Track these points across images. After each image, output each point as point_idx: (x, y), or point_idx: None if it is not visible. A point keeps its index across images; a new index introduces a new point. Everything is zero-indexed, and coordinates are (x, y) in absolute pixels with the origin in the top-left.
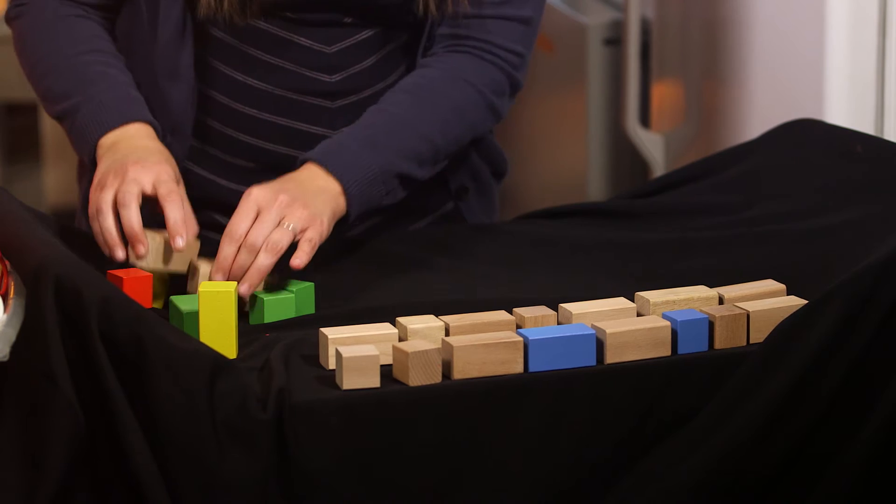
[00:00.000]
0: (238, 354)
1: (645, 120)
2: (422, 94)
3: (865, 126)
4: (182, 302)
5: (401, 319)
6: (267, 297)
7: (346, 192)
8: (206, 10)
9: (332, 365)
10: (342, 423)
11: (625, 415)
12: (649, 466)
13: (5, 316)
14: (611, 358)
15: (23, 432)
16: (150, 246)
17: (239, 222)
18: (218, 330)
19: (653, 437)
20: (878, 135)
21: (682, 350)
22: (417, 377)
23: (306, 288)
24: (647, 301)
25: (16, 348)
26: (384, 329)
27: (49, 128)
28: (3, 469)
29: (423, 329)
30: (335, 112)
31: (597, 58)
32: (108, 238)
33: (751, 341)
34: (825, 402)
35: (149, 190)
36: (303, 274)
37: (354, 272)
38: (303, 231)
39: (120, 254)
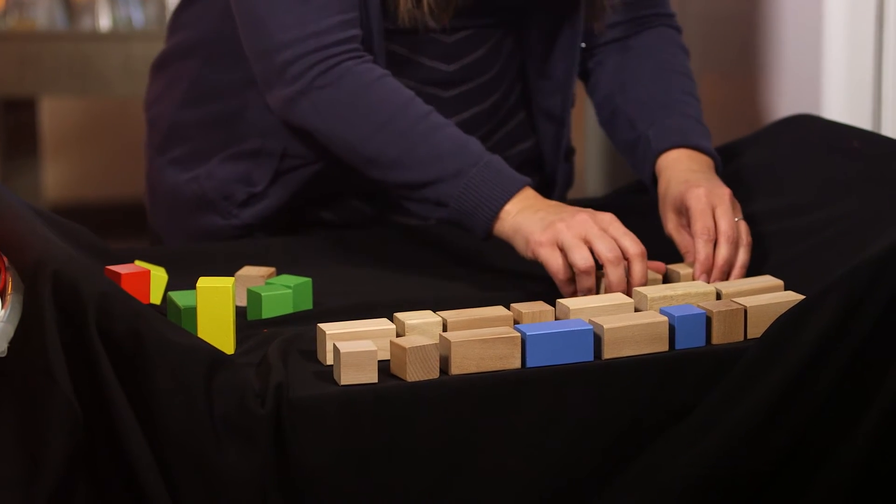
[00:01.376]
0: (236, 350)
1: None
2: (672, 67)
3: (863, 122)
4: (180, 297)
5: (398, 315)
6: (265, 293)
7: (716, 161)
8: (406, 16)
9: (329, 360)
10: (340, 418)
11: (622, 410)
12: (647, 461)
13: (3, 312)
14: (608, 353)
15: (21, 428)
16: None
17: (707, 221)
18: (216, 325)
19: (650, 433)
20: (876, 130)
21: (679, 345)
22: (415, 373)
23: (304, 283)
24: (645, 296)
25: (14, 344)
26: (382, 324)
27: (47, 124)
28: (1, 464)
29: (421, 324)
30: (447, 101)
31: None
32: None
33: (748, 336)
34: (823, 398)
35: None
36: (300, 269)
37: (352, 268)
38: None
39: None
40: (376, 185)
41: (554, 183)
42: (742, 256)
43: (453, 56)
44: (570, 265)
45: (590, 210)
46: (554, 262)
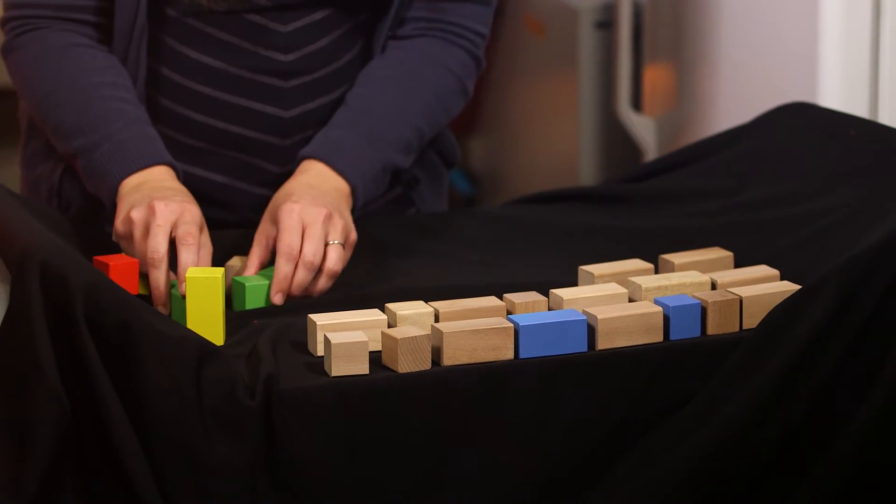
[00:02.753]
0: (225, 341)
1: (637, 104)
2: (408, 82)
3: (859, 110)
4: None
5: (390, 305)
6: (249, 283)
7: (355, 191)
8: None
9: (320, 352)
10: (331, 410)
11: (616, 401)
12: (642, 453)
13: None
14: (602, 344)
15: (8, 420)
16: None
17: (291, 239)
18: (205, 316)
19: (645, 424)
20: (873, 118)
21: (674, 336)
22: (407, 364)
23: None
24: (640, 286)
25: (1, 335)
26: (373, 315)
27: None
28: None
29: (413, 315)
30: (288, 91)
31: (588, 41)
32: (158, 296)
33: (744, 327)
34: (818, 389)
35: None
36: None
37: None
38: (345, 242)
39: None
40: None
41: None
42: (322, 283)
43: (291, 46)
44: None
45: (176, 202)
46: (115, 233)
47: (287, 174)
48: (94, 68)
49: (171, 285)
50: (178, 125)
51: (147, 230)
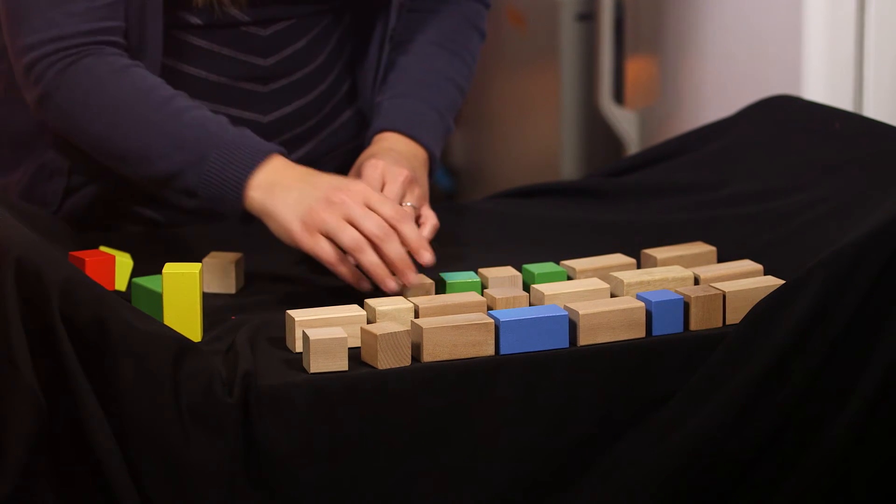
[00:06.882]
0: (203, 337)
1: (619, 97)
2: (452, 45)
3: (844, 102)
4: (145, 284)
5: (369, 301)
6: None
7: (433, 158)
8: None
9: (299, 348)
10: (309, 407)
11: (599, 397)
12: (625, 450)
13: None
14: (584, 340)
15: None
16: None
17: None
18: (182, 312)
19: (627, 421)
20: (857, 111)
21: (656, 331)
22: (386, 360)
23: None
24: (622, 281)
25: None
26: (352, 311)
27: None
28: None
29: (392, 311)
30: (266, 96)
31: (569, 33)
32: (379, 271)
33: (727, 322)
34: (803, 385)
35: None
36: (269, 255)
37: None
38: (419, 209)
39: (392, 284)
40: (138, 185)
41: None
42: (426, 231)
43: (270, 49)
44: (339, 247)
45: (341, 182)
46: (322, 250)
47: None
48: (154, 85)
49: (137, 283)
50: None
51: (362, 220)
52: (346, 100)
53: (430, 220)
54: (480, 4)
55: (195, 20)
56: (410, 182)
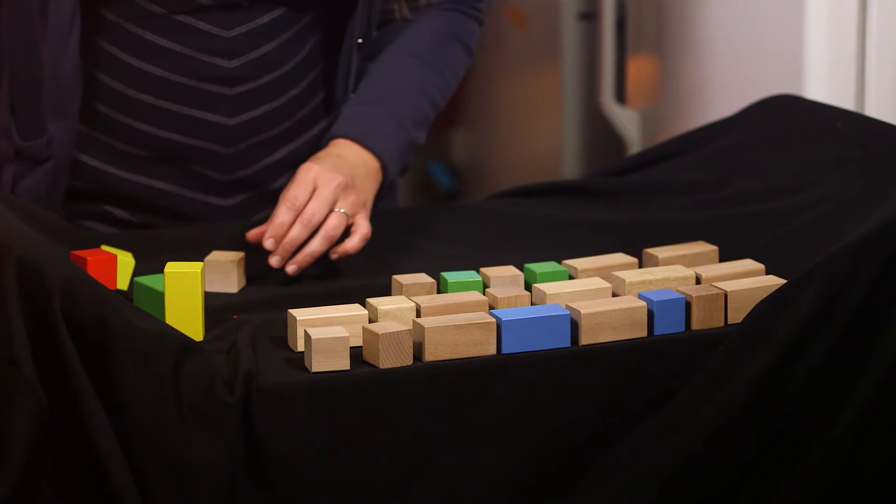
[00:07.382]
0: (204, 336)
1: (621, 96)
2: (430, 56)
3: (846, 102)
4: (147, 283)
5: (371, 300)
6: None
7: (385, 168)
8: None
9: (300, 347)
10: (311, 406)
11: (600, 397)
12: (626, 449)
13: None
14: (585, 339)
15: None
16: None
17: (299, 192)
18: (184, 311)
19: (629, 420)
20: (859, 111)
21: (658, 331)
22: (388, 359)
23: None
24: (623, 281)
25: None
26: (354, 310)
27: None
28: None
29: (394, 310)
30: (233, 99)
31: (571, 33)
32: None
33: (729, 322)
34: (804, 385)
35: None
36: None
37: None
38: (353, 217)
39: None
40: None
41: None
42: (315, 245)
43: (235, 52)
44: None
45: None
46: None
47: (232, 181)
48: None
49: (139, 282)
50: (119, 133)
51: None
52: (324, 107)
53: (362, 228)
54: (474, 21)
55: (156, 8)
56: (345, 188)
